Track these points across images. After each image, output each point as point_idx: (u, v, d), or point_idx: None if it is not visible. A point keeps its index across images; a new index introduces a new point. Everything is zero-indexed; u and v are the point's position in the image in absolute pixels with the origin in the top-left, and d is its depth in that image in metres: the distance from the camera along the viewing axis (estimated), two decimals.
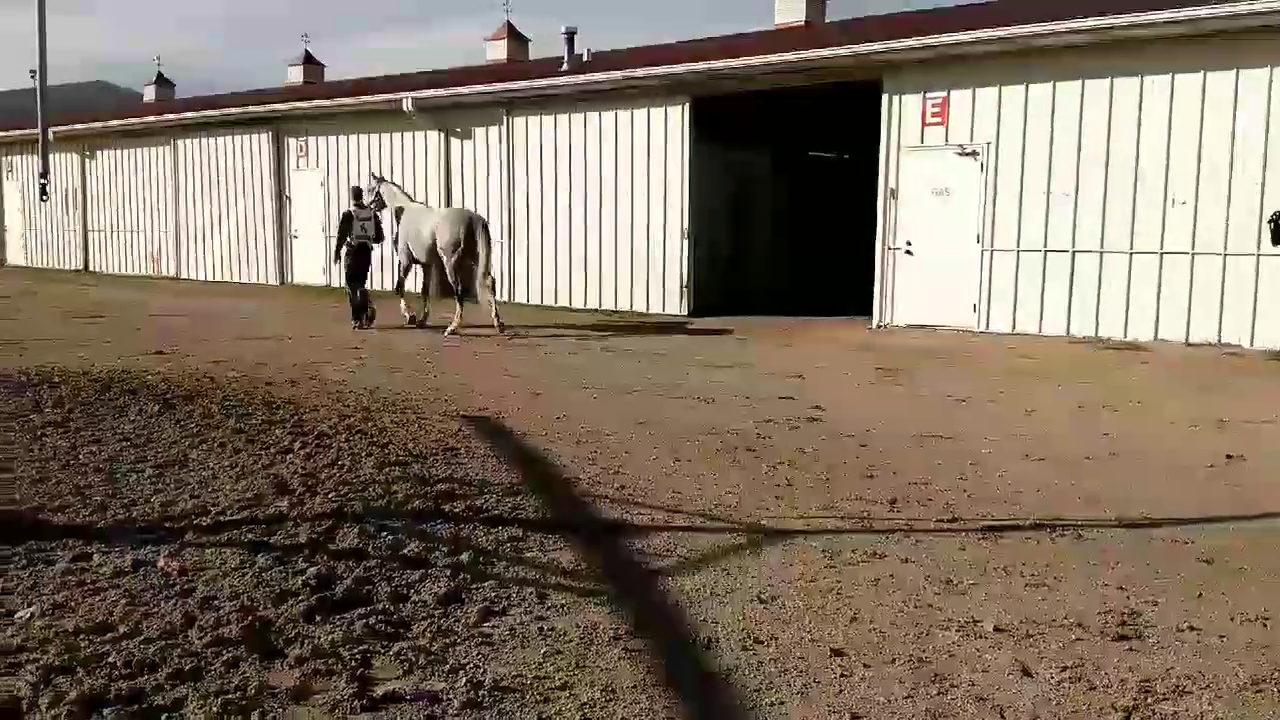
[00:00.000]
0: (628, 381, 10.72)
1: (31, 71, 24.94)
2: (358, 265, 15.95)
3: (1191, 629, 4.26)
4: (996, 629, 4.23)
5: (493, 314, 15.00)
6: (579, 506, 6.07)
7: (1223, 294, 12.96)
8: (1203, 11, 12.54)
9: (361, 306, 15.78)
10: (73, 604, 4.33)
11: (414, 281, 16.67)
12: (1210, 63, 12.87)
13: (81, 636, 3.98)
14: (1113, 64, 13.51)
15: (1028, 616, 4.37)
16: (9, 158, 31.36)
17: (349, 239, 15.78)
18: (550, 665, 3.86)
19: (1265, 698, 3.65)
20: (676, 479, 6.68)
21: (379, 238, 16.21)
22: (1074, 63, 13.76)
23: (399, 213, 16.30)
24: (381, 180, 17.24)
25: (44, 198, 9.97)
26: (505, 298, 19.87)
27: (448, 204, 20.57)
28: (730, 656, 3.97)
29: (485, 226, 15.49)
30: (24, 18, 54.76)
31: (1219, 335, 12.96)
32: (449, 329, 14.91)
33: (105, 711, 3.41)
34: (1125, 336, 13.56)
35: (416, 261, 16.08)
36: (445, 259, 15.29)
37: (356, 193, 16.72)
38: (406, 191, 17.66)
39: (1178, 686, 3.72)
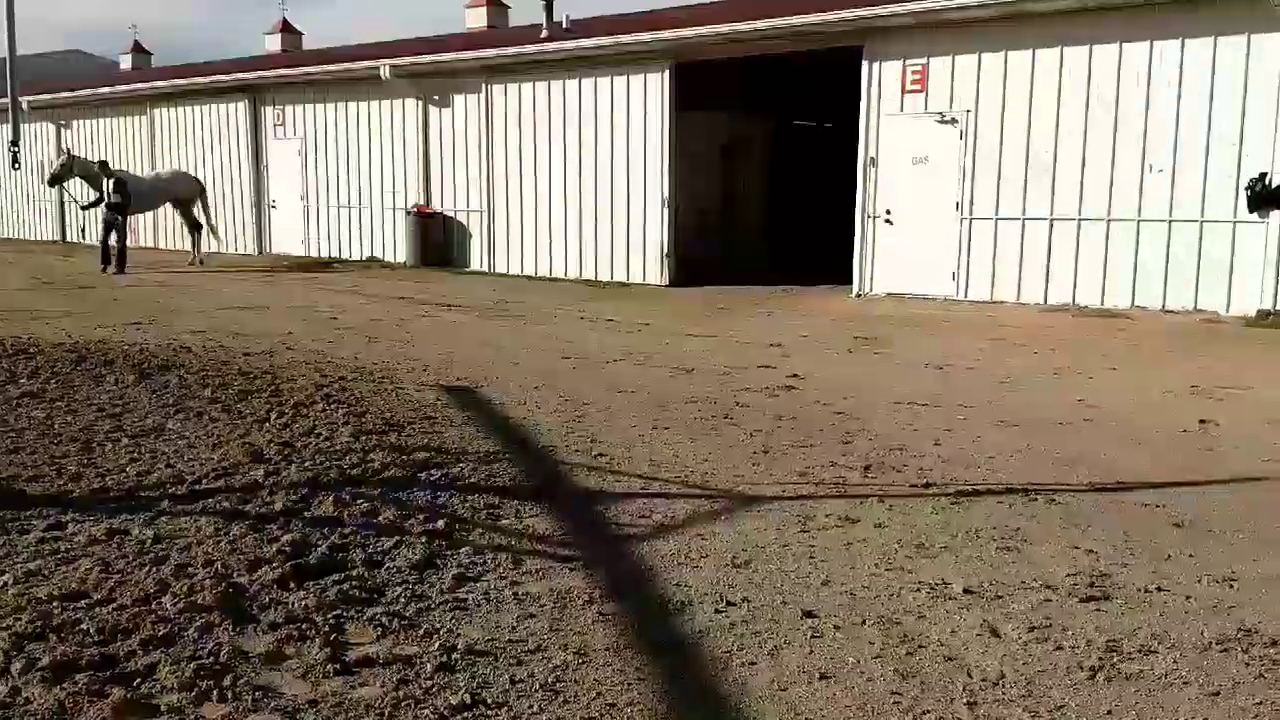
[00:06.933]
0: (607, 351, 10.72)
1: None
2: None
3: (1159, 590, 4.31)
4: (966, 590, 4.27)
5: (197, 250, 21.38)
6: (556, 474, 6.08)
7: (1199, 261, 12.99)
8: None
9: (119, 252, 19.58)
10: (46, 572, 4.32)
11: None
12: (1191, 30, 12.85)
13: (55, 603, 3.98)
14: (1091, 31, 13.47)
15: (997, 579, 4.42)
16: None
17: (111, 198, 19.79)
18: (524, 629, 3.88)
19: (1229, 657, 3.70)
20: (654, 447, 6.70)
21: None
22: (1053, 29, 13.72)
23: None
24: (74, 156, 22.00)
25: (15, 166, 9.87)
26: (486, 268, 19.87)
27: (426, 173, 20.57)
28: (703, 619, 4.00)
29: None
30: None
31: (1195, 302, 13.02)
32: (198, 261, 20.99)
33: (78, 677, 3.41)
34: (1103, 304, 13.62)
35: (140, 211, 21.54)
36: (188, 208, 21.46)
37: (104, 165, 20.61)
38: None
39: (1144, 646, 3.77)
